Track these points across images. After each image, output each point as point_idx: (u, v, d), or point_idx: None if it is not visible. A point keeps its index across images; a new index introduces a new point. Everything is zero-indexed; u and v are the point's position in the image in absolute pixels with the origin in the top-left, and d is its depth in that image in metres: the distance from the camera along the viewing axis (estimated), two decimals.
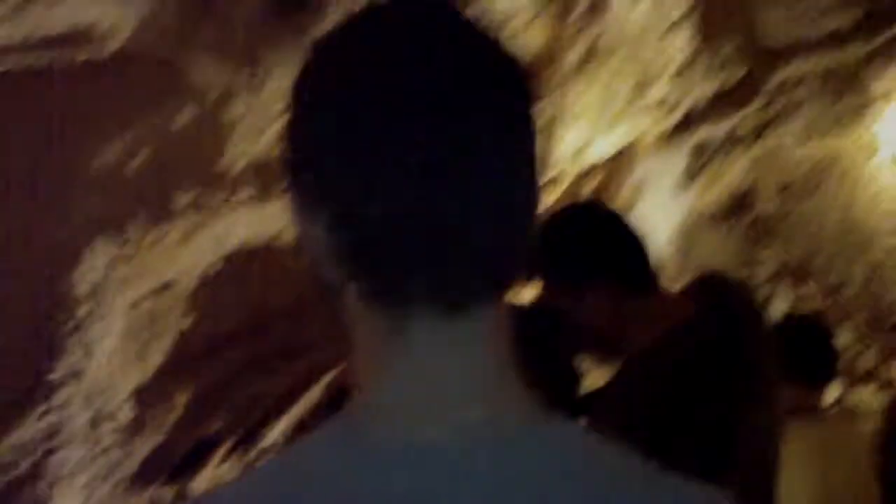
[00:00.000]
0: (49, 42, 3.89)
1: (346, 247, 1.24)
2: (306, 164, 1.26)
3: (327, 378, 5.68)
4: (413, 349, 1.25)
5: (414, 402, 1.25)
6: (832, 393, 4.80)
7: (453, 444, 1.20)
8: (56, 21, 3.83)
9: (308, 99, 1.30)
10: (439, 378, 1.26)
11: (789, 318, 5.54)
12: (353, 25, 1.35)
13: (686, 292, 3.25)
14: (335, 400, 5.67)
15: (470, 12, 1.32)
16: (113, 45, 4.02)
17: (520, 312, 3.14)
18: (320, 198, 1.25)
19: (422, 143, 1.18)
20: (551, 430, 1.35)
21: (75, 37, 3.93)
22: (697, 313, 3.05)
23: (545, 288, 3.15)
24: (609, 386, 3.14)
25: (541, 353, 3.06)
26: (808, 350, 4.79)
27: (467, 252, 1.22)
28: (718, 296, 3.12)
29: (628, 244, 3.16)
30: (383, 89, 1.21)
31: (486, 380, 1.30)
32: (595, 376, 5.46)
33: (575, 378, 3.22)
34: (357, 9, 1.36)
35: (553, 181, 6.62)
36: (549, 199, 6.66)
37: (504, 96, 1.26)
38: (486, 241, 1.23)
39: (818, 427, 4.69)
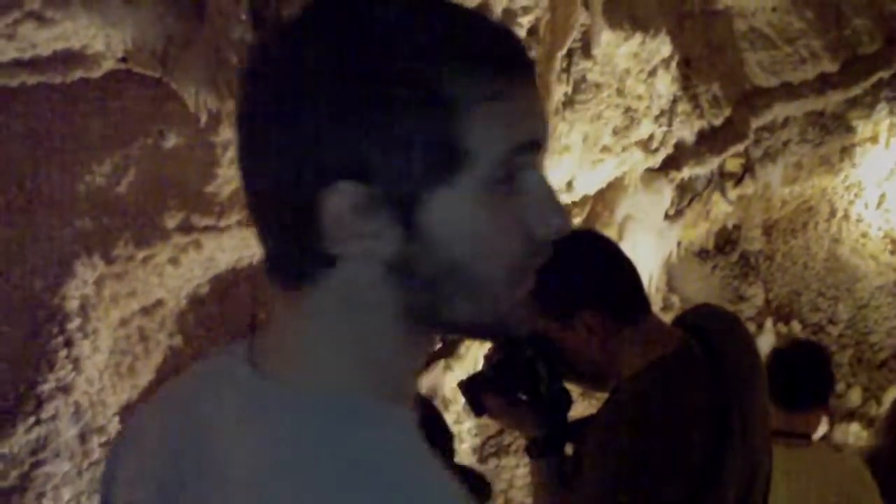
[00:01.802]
0: (41, 62, 3.90)
1: None
2: None
3: None
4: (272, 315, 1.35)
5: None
6: (821, 422, 4.75)
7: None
8: (48, 41, 3.84)
9: None
10: (271, 331, 1.38)
11: (793, 342, 5.48)
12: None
13: (676, 322, 3.23)
14: None
15: None
16: (105, 67, 4.03)
17: (510, 338, 3.13)
18: None
19: None
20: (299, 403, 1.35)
21: (68, 57, 3.95)
22: (686, 342, 3.02)
23: (535, 314, 3.12)
24: (598, 413, 3.12)
25: (530, 378, 3.06)
26: (800, 375, 4.75)
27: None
28: (708, 325, 3.10)
29: (619, 272, 3.13)
30: None
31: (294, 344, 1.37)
32: (585, 403, 5.44)
33: (564, 404, 3.19)
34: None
35: None
36: None
37: None
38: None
39: (806, 452, 4.65)
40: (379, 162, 1.24)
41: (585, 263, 3.07)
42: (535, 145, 1.26)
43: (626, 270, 3.08)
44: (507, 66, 1.25)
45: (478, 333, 1.38)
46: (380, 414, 1.32)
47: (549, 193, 1.28)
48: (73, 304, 4.17)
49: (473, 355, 6.44)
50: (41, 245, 4.10)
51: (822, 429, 4.81)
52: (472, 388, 3.10)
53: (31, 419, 4.14)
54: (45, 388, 4.15)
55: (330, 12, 1.29)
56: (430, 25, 1.26)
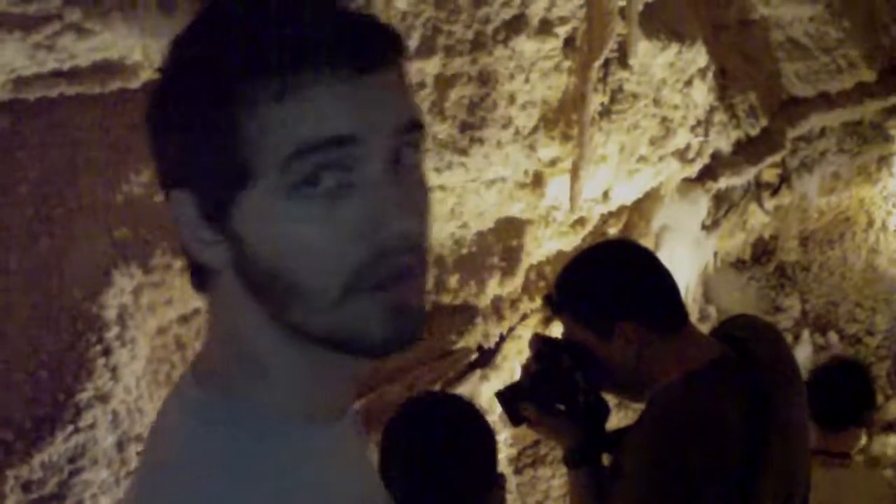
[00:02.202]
0: (80, 72, 3.91)
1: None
2: None
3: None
4: None
5: None
6: (860, 439, 4.68)
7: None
8: (87, 52, 3.85)
9: None
10: None
11: (833, 360, 5.39)
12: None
13: (715, 332, 3.19)
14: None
15: None
16: (143, 77, 4.04)
17: (548, 347, 3.10)
18: None
19: None
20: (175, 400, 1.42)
21: (106, 67, 3.96)
22: (724, 353, 2.98)
23: (574, 323, 3.09)
24: (635, 423, 3.09)
25: (568, 388, 3.03)
26: (841, 395, 4.67)
27: None
28: (746, 336, 3.06)
29: (658, 282, 3.09)
30: None
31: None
32: (620, 414, 5.41)
33: (602, 414, 3.16)
34: None
35: (579, 222, 6.59)
36: (574, 239, 6.65)
37: None
38: None
39: (844, 471, 4.59)
40: (190, 171, 1.27)
41: (624, 274, 3.04)
42: (337, 142, 1.21)
43: (664, 281, 3.05)
44: (295, 63, 1.21)
45: (346, 348, 1.28)
46: (236, 420, 1.32)
47: (388, 193, 1.24)
48: (111, 313, 4.17)
49: (510, 365, 6.41)
50: (80, 254, 4.10)
51: (860, 442, 4.76)
52: (509, 398, 3.09)
53: (70, 427, 4.13)
54: (84, 396, 4.15)
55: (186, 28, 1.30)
56: (230, 30, 1.24)
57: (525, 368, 3.11)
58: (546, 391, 3.04)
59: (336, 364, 1.33)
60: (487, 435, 2.94)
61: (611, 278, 3.02)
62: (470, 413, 2.96)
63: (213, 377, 1.35)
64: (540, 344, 3.10)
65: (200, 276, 1.35)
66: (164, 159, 1.30)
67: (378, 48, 1.27)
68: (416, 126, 1.30)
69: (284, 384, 1.34)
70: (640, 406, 3.09)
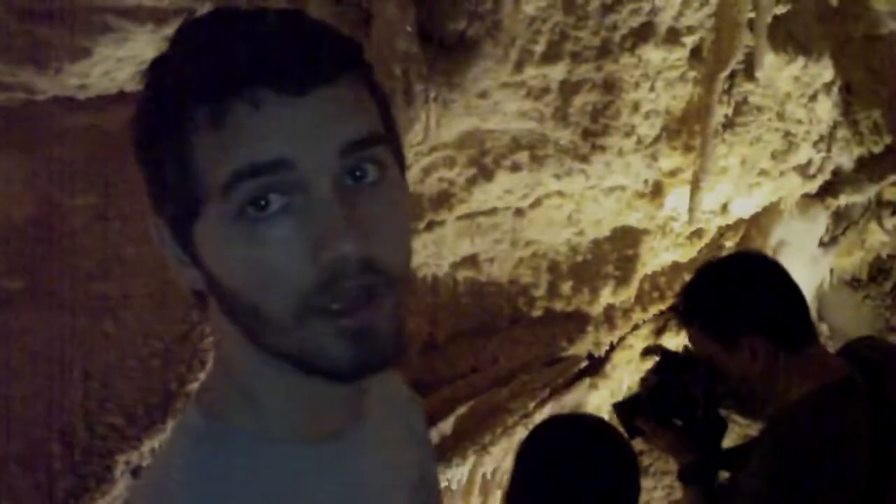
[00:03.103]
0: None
1: None
2: None
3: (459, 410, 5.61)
4: None
5: None
6: None
7: None
8: None
9: None
10: None
11: None
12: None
13: (841, 353, 3.10)
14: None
15: None
16: None
17: (668, 360, 3.03)
18: None
19: None
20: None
21: None
22: (850, 373, 2.89)
23: (701, 334, 3.02)
24: (757, 441, 3.00)
25: (687, 403, 2.96)
26: None
27: None
28: (873, 357, 2.98)
29: (790, 298, 3.00)
30: None
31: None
32: (743, 428, 5.31)
33: (720, 430, 3.08)
34: None
35: (696, 233, 6.50)
36: (691, 251, 6.55)
37: None
38: None
39: None
40: (157, 198, 1.29)
41: (755, 286, 2.95)
42: (273, 166, 1.20)
43: (794, 296, 2.96)
44: (231, 91, 1.20)
45: (314, 371, 1.26)
46: (225, 444, 1.33)
47: (333, 215, 1.21)
48: None
49: (619, 375, 6.35)
50: None
51: None
52: (626, 410, 3.04)
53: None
54: (195, 386, 4.16)
55: None
56: (178, 62, 1.26)
57: (644, 381, 3.06)
58: (664, 405, 2.98)
59: (317, 386, 1.30)
60: (632, 463, 2.84)
61: (741, 290, 2.94)
62: (612, 439, 2.86)
63: (210, 400, 1.37)
64: (660, 356, 3.04)
65: (198, 298, 1.36)
66: (145, 186, 1.32)
67: (319, 67, 1.24)
68: (368, 142, 1.26)
69: (267, 406, 1.34)
70: (746, 423, 3.04)
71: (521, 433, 5.20)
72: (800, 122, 6.59)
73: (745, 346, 2.86)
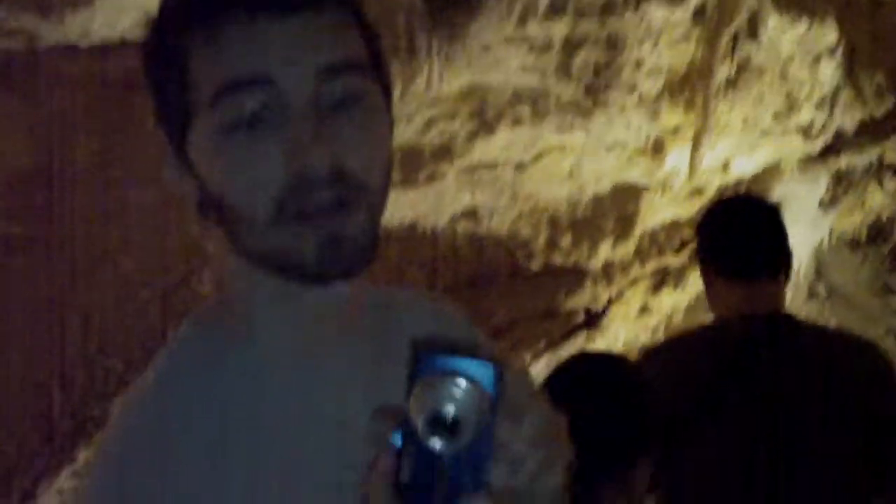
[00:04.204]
0: None
1: None
2: None
3: None
4: None
5: None
6: None
7: None
8: None
9: None
10: None
11: None
12: None
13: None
14: None
15: None
16: None
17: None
18: None
19: None
20: None
21: None
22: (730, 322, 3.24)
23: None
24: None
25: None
26: None
27: None
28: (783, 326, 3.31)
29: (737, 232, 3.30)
30: None
31: None
32: None
33: None
34: None
35: (696, 191, 6.51)
36: (690, 209, 6.56)
37: None
38: None
39: None
40: (160, 112, 1.42)
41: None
42: (254, 80, 1.30)
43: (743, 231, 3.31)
44: (221, 10, 1.31)
45: (287, 273, 1.36)
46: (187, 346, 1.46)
47: (309, 127, 1.30)
48: None
49: (615, 329, 6.38)
50: None
51: None
52: None
53: None
54: None
55: None
56: None
57: None
58: None
59: (293, 294, 1.40)
60: (648, 399, 2.90)
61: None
62: (634, 376, 2.93)
63: (200, 310, 1.52)
64: None
65: (200, 213, 1.45)
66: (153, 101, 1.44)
67: None
68: (347, 66, 1.35)
69: (247, 311, 1.44)
70: None
71: None
72: (802, 83, 6.58)
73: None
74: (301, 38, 1.31)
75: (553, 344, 6.06)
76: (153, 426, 1.39)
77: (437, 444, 1.09)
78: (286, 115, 1.30)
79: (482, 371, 1.11)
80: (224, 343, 1.42)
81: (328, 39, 1.34)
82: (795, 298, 3.31)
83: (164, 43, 1.37)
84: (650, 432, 2.83)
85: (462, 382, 1.09)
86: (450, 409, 1.09)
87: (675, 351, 3.45)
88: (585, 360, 3.03)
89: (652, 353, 3.55)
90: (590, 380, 2.84)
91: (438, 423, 1.09)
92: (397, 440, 1.12)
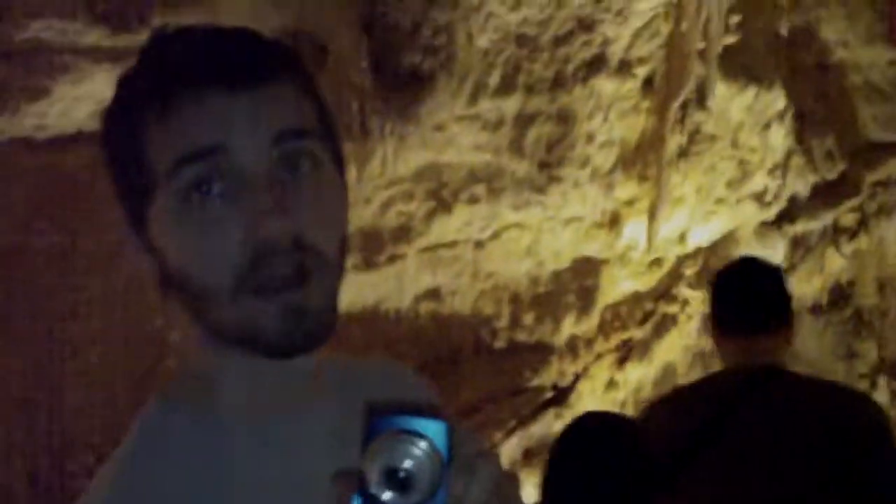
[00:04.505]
0: None
1: None
2: None
3: None
4: None
5: None
6: None
7: None
8: None
9: None
10: None
11: None
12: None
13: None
14: None
15: None
16: None
17: None
18: None
19: None
20: None
21: None
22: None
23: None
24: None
25: None
26: None
27: None
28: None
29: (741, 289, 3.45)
30: None
31: None
32: None
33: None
34: None
35: (655, 262, 6.57)
36: (650, 280, 6.62)
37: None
38: None
39: None
40: (118, 189, 1.42)
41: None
42: (208, 152, 1.31)
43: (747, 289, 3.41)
44: (174, 87, 1.33)
45: (251, 348, 1.36)
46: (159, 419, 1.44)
47: (266, 198, 1.31)
48: None
49: (584, 405, 6.39)
50: None
51: None
52: None
53: None
54: None
55: None
56: (139, 66, 1.41)
57: None
58: None
59: (258, 366, 1.39)
60: (647, 460, 2.95)
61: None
62: (635, 436, 2.99)
63: (165, 387, 1.48)
64: None
65: (162, 290, 1.44)
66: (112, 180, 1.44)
67: (257, 67, 1.36)
68: (301, 133, 1.36)
69: (213, 384, 1.43)
70: None
71: None
72: (754, 150, 6.69)
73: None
74: (254, 108, 1.33)
75: (522, 422, 6.07)
76: (124, 501, 1.38)
77: (391, 498, 1.12)
78: (243, 185, 1.31)
79: (434, 428, 1.15)
80: (189, 417, 1.42)
81: (281, 108, 1.36)
82: None
83: (120, 121, 1.40)
84: (654, 487, 2.90)
85: (414, 439, 1.13)
86: (403, 465, 1.12)
87: (667, 404, 3.59)
88: (593, 420, 3.11)
89: (650, 408, 3.71)
90: (599, 439, 2.93)
91: (392, 479, 1.12)
92: (356, 502, 1.14)
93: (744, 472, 3.20)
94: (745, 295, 3.51)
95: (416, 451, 1.13)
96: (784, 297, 3.60)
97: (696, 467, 3.20)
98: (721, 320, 3.48)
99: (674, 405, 3.53)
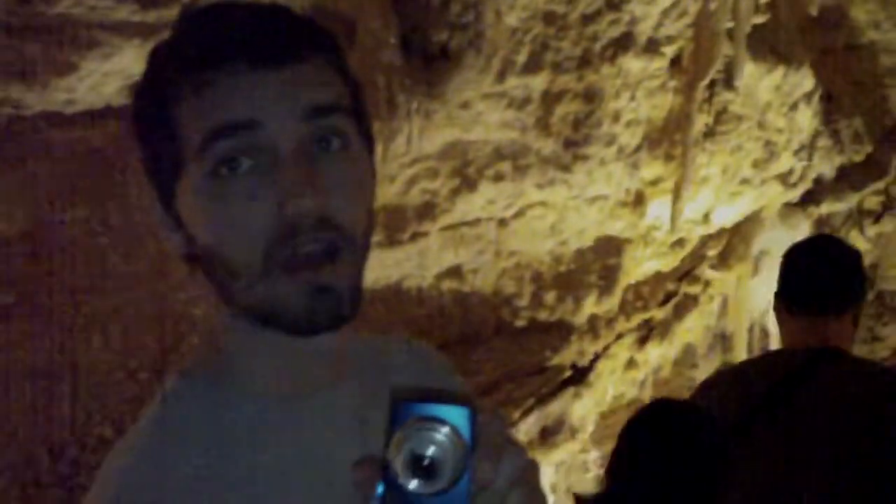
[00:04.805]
0: None
1: None
2: None
3: None
4: None
5: None
6: None
7: None
8: None
9: None
10: None
11: None
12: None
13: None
14: None
15: None
16: None
17: None
18: None
19: None
20: None
21: None
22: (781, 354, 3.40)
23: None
24: None
25: None
26: None
27: None
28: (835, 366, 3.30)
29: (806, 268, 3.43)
30: None
31: None
32: None
33: None
34: None
35: (678, 243, 6.58)
36: (673, 260, 6.63)
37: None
38: None
39: None
40: (149, 166, 1.42)
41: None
42: (241, 126, 1.32)
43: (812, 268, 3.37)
44: (208, 63, 1.34)
45: (276, 325, 1.36)
46: (180, 392, 1.43)
47: (297, 173, 1.31)
48: None
49: (603, 384, 6.41)
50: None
51: None
52: None
53: None
54: None
55: None
56: (174, 40, 1.42)
57: None
58: None
59: (284, 344, 1.39)
60: (720, 452, 2.96)
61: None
62: (707, 427, 3.00)
63: (188, 362, 1.48)
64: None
65: (189, 265, 1.44)
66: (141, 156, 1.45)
67: (291, 45, 1.37)
68: (331, 109, 1.37)
69: (235, 361, 1.43)
70: None
71: None
72: (780, 131, 6.68)
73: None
74: (286, 85, 1.34)
75: (541, 400, 6.10)
76: (147, 473, 1.38)
77: (416, 486, 1.13)
78: (274, 161, 1.32)
79: (457, 414, 1.15)
80: (211, 393, 1.42)
81: (313, 84, 1.36)
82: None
83: (152, 96, 1.40)
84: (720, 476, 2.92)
85: (438, 426, 1.14)
86: (427, 452, 1.13)
87: (726, 378, 3.57)
88: (662, 410, 3.12)
89: (708, 383, 3.67)
90: (669, 430, 2.94)
91: (417, 466, 1.13)
92: (380, 489, 1.14)
93: (797, 455, 3.19)
94: (818, 273, 3.40)
95: (440, 438, 1.14)
96: (859, 280, 3.51)
97: (747, 446, 3.18)
98: (789, 297, 3.38)
99: (733, 381, 3.48)
